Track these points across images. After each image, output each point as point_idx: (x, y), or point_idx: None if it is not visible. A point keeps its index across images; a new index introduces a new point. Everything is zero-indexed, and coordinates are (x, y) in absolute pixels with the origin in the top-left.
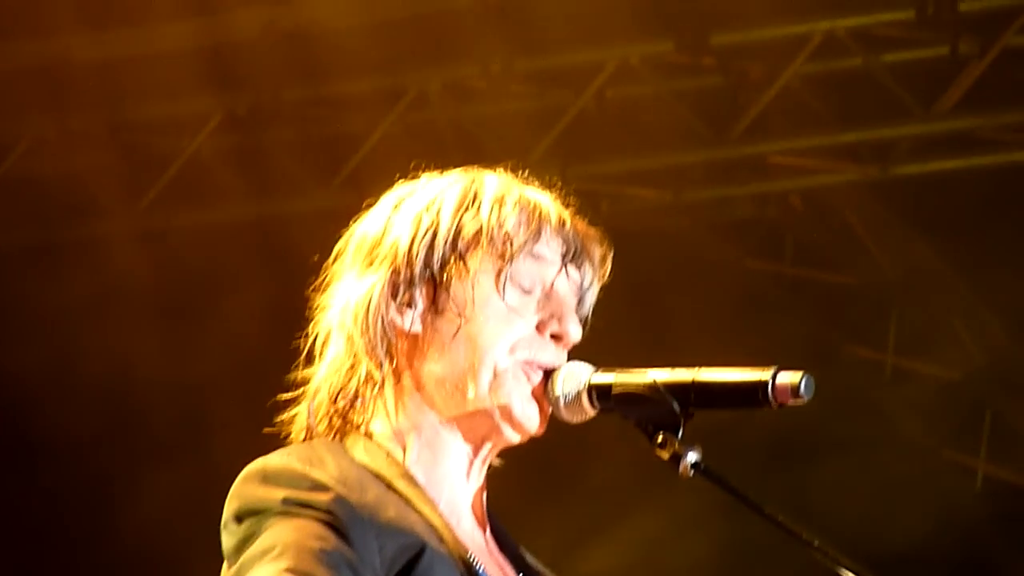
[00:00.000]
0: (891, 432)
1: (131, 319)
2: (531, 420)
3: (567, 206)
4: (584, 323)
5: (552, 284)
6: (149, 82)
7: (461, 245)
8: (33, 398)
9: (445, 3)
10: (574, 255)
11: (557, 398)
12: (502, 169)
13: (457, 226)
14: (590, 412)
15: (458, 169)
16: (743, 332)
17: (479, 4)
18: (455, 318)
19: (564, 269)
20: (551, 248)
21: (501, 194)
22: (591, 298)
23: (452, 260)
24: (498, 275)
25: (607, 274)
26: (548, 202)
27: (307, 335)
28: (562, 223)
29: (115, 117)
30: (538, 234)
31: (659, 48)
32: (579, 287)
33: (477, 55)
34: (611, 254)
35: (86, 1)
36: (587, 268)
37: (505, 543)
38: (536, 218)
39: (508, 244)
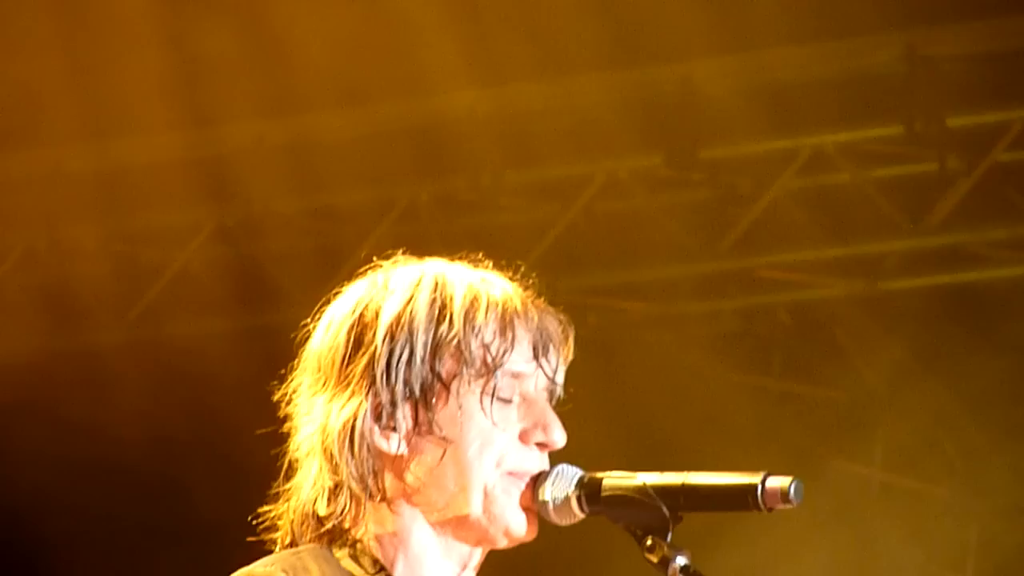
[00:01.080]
0: (879, 548)
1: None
2: (522, 530)
3: (524, 287)
4: (555, 405)
5: (530, 387)
6: (141, 193)
7: (439, 364)
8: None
9: (435, 116)
10: (543, 345)
11: (545, 503)
12: (458, 259)
13: (433, 343)
14: (579, 515)
15: (410, 260)
16: (730, 445)
17: (469, 117)
18: (440, 441)
19: (540, 367)
20: (523, 350)
21: (470, 299)
22: (561, 378)
23: (432, 380)
24: (481, 393)
25: (571, 352)
26: (512, 295)
27: (285, 450)
28: (529, 316)
29: (106, 228)
30: (513, 341)
31: (648, 162)
32: (551, 374)
33: (467, 167)
34: (572, 330)
35: (79, 111)
36: (553, 353)
37: None
38: (509, 324)
39: (487, 359)
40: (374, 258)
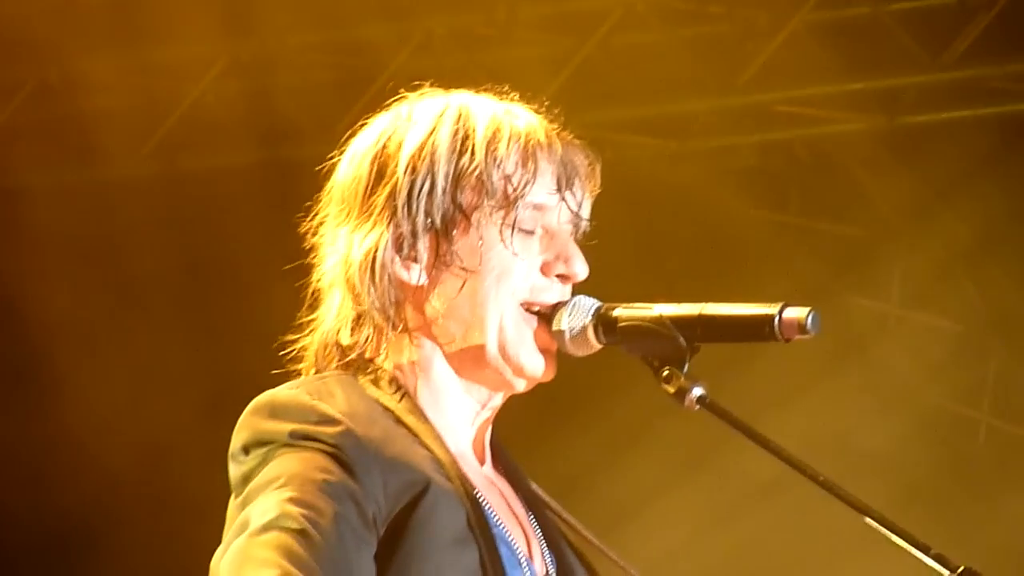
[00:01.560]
0: (894, 383)
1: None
2: (538, 368)
3: (550, 120)
4: (581, 239)
5: (552, 219)
6: (155, 26)
7: (461, 196)
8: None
9: None
10: (568, 178)
11: (562, 332)
12: (481, 89)
13: (455, 173)
14: (595, 346)
15: (436, 92)
16: (746, 281)
17: None
18: (460, 271)
19: (563, 199)
20: (546, 182)
21: (492, 130)
22: (586, 212)
23: (453, 211)
24: (502, 224)
25: (597, 185)
26: (536, 126)
27: (309, 281)
28: (554, 148)
29: (120, 60)
30: (536, 173)
31: None
32: (576, 208)
33: (483, 1)
34: (598, 163)
35: None
36: (578, 187)
37: (514, 477)
38: (532, 155)
39: (508, 190)
40: (401, 89)
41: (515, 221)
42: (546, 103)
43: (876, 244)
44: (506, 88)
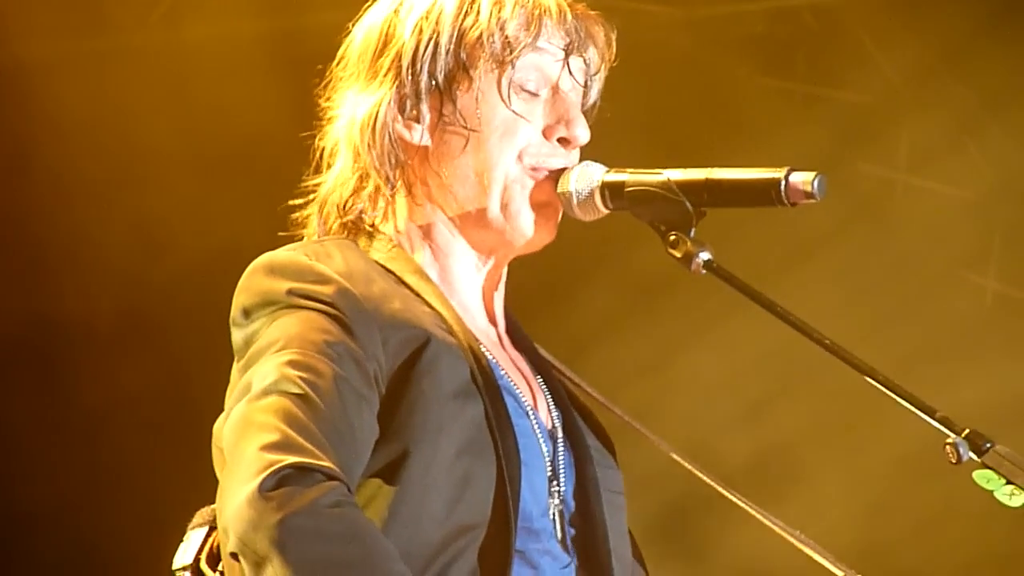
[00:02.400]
0: (901, 249)
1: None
2: (534, 231)
3: None
4: (593, 108)
5: (557, 83)
6: None
7: (463, 55)
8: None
9: None
10: (578, 45)
11: (569, 194)
12: None
13: (458, 34)
14: (603, 211)
15: None
16: (753, 148)
17: None
18: (463, 130)
19: (567, 65)
20: (553, 44)
21: None
22: (599, 83)
23: (456, 71)
24: (501, 82)
25: (614, 57)
26: None
27: (316, 144)
28: (563, 16)
29: None
30: (538, 36)
31: None
32: (585, 75)
33: None
34: (615, 35)
35: None
36: (592, 54)
37: (520, 340)
38: (536, 19)
39: (508, 47)
40: None
41: (511, 79)
42: None
43: (883, 110)
44: None
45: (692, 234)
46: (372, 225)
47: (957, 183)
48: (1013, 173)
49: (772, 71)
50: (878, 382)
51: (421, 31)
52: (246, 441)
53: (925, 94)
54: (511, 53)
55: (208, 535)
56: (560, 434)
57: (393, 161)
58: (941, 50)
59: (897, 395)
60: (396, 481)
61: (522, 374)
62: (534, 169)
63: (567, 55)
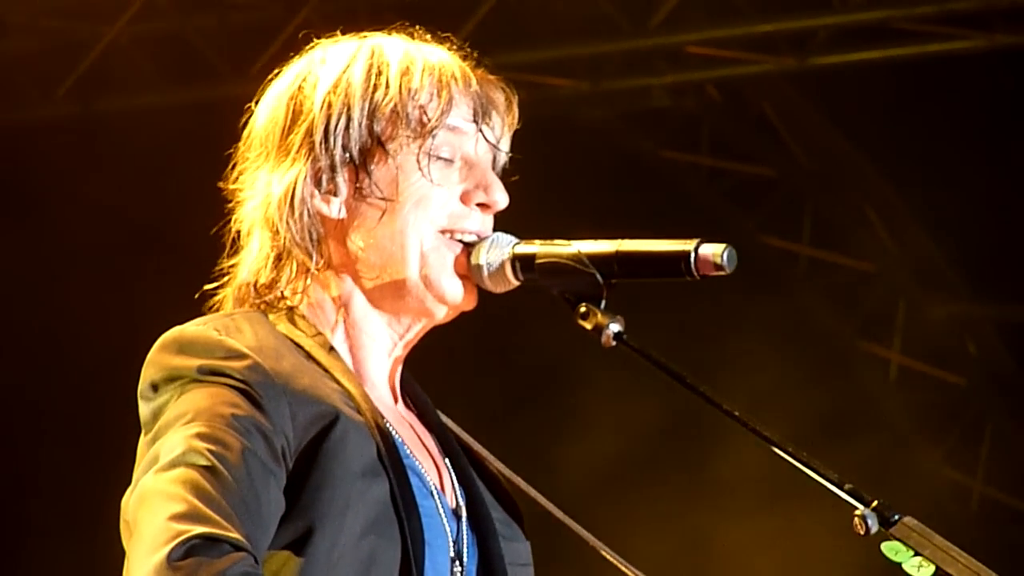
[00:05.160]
0: (809, 320)
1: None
2: (458, 295)
3: (464, 58)
4: (501, 173)
5: (471, 150)
6: None
7: (377, 127)
8: None
9: None
10: (484, 113)
11: (480, 267)
12: (393, 30)
13: (370, 107)
14: (513, 282)
15: (349, 37)
16: (658, 221)
17: None
18: (379, 202)
19: (480, 131)
20: (462, 112)
21: (406, 65)
22: (505, 146)
23: (370, 143)
24: (419, 152)
25: (515, 119)
26: (450, 61)
27: (228, 228)
28: (468, 82)
29: (33, 2)
30: (450, 102)
31: None
32: (495, 141)
33: None
34: (515, 98)
35: None
36: (496, 120)
37: (424, 412)
38: (446, 86)
39: (424, 120)
40: (313, 36)
41: (431, 148)
42: (462, 44)
43: (788, 184)
44: (419, 28)
45: (603, 306)
46: (282, 298)
47: (860, 255)
48: (915, 245)
49: (677, 144)
50: (788, 454)
51: (331, 105)
52: (153, 511)
53: (829, 168)
54: (428, 124)
55: None
56: (464, 512)
57: (313, 236)
58: (846, 125)
59: (807, 467)
60: (302, 557)
61: (427, 451)
62: (449, 234)
63: (476, 119)
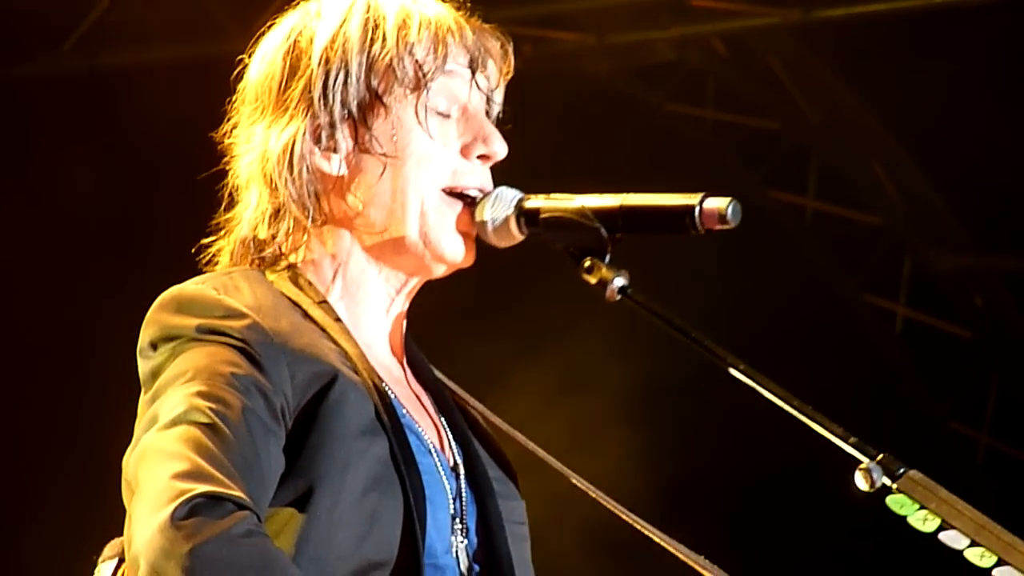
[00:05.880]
0: (812, 275)
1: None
2: (458, 254)
3: (458, 9)
4: (496, 121)
5: (467, 102)
6: None
7: (375, 82)
8: None
9: None
10: (481, 61)
11: (484, 222)
12: None
13: (367, 61)
14: (518, 237)
15: None
16: (663, 176)
17: None
18: (380, 158)
19: (474, 82)
20: (459, 64)
21: (402, 18)
22: (500, 96)
23: (369, 98)
24: (416, 107)
25: (511, 68)
26: (446, 14)
27: (224, 183)
28: (464, 33)
29: None
30: (446, 57)
31: None
32: (488, 89)
33: None
34: (510, 45)
35: None
36: (492, 68)
37: (421, 369)
38: (441, 40)
39: (420, 73)
40: None
41: (428, 102)
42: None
43: (793, 137)
44: None
45: (607, 260)
46: (282, 256)
47: (866, 208)
48: (920, 198)
49: (682, 98)
50: (794, 408)
51: (328, 60)
52: (156, 470)
53: (835, 121)
54: (424, 78)
55: (118, 567)
56: (462, 470)
57: (311, 193)
58: (851, 78)
59: (812, 420)
60: (302, 517)
61: (425, 409)
62: (452, 192)
63: (473, 72)
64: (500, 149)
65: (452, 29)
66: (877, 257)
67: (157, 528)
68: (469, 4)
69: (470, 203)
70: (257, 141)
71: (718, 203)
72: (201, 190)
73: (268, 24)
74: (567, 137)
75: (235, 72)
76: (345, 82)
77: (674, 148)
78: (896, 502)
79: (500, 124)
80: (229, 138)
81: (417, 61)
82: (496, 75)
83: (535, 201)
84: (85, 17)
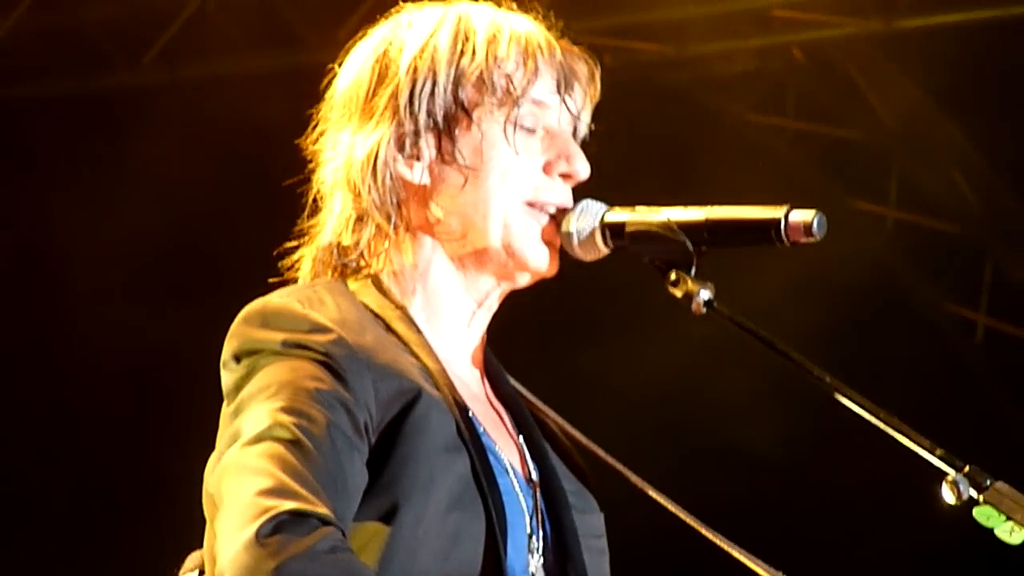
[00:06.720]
0: (896, 286)
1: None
2: (542, 263)
3: (548, 28)
4: (581, 144)
5: (554, 120)
6: None
7: (462, 93)
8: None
9: None
10: (567, 84)
11: (570, 234)
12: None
13: (456, 73)
14: (603, 250)
15: (435, 3)
16: (745, 186)
17: None
18: (463, 168)
19: (564, 101)
20: (546, 82)
21: (493, 32)
22: (586, 117)
23: (455, 109)
24: (504, 121)
25: (598, 92)
26: (535, 31)
27: (309, 187)
28: (553, 52)
29: None
30: (536, 72)
31: None
32: (575, 112)
33: None
34: (598, 70)
35: None
36: (578, 91)
37: (500, 384)
38: (531, 55)
39: (510, 88)
40: (400, 0)
41: (516, 118)
42: (545, 11)
43: (874, 147)
44: None
45: (693, 273)
46: (366, 266)
47: (947, 218)
48: (1001, 208)
49: (762, 108)
50: (880, 420)
51: (416, 69)
52: (240, 487)
53: (915, 130)
54: (513, 91)
55: None
56: (538, 487)
57: (394, 200)
58: (931, 88)
59: (899, 432)
60: (386, 533)
61: (504, 425)
62: (533, 205)
63: (559, 90)
64: (583, 169)
65: (541, 47)
66: (958, 266)
67: (242, 546)
68: (557, 22)
69: (555, 216)
70: (342, 147)
71: (804, 215)
72: (283, 198)
73: (351, 34)
74: (647, 148)
75: (316, 82)
76: (432, 92)
77: (754, 158)
78: (983, 514)
79: (585, 146)
80: (315, 145)
81: (507, 75)
82: (582, 97)
83: (620, 214)
84: (166, 29)
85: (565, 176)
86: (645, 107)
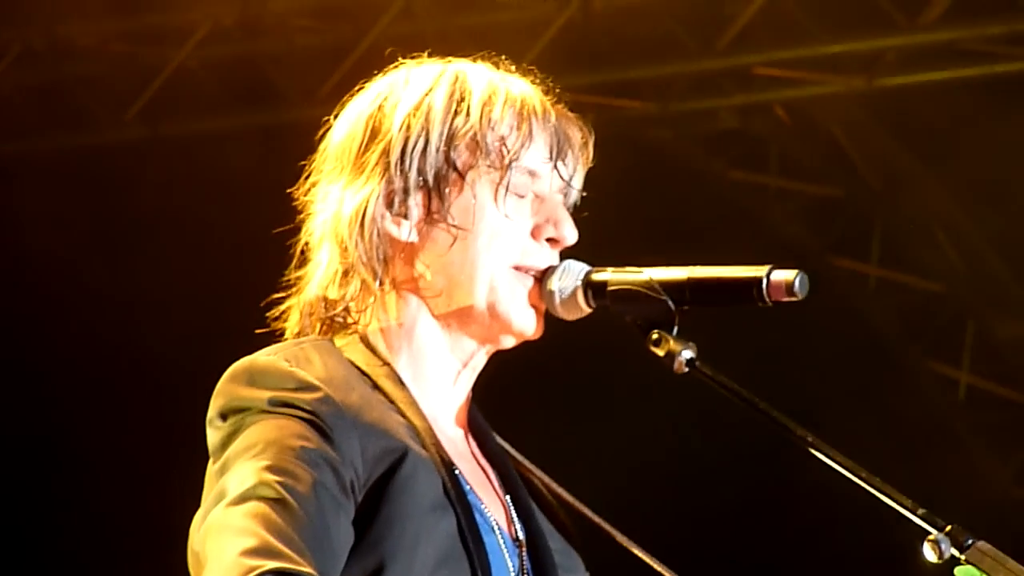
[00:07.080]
0: (877, 343)
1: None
2: (528, 326)
3: (545, 92)
4: (572, 210)
5: (544, 185)
6: None
7: (454, 153)
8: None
9: None
10: (559, 150)
11: (552, 293)
12: (479, 59)
13: (449, 133)
14: (585, 309)
15: (433, 60)
16: (727, 243)
17: None
18: (451, 228)
19: (555, 167)
20: (540, 148)
21: (488, 94)
22: (578, 183)
23: (446, 169)
24: (495, 185)
25: (591, 158)
26: (531, 94)
27: (297, 240)
28: (548, 117)
29: (104, 26)
30: (530, 136)
31: None
32: (567, 179)
33: None
34: (592, 137)
35: None
36: (570, 158)
37: (485, 441)
38: (526, 119)
39: (503, 152)
40: (389, 52)
41: (508, 183)
42: (529, 67)
43: (856, 205)
44: (504, 58)
45: (675, 332)
46: (352, 323)
47: (929, 275)
48: (983, 266)
49: (745, 165)
50: (861, 479)
51: (409, 127)
52: (224, 546)
53: (897, 189)
54: (507, 155)
55: None
56: (524, 546)
57: (380, 257)
58: (914, 146)
59: (880, 492)
60: None
61: (490, 483)
62: (519, 269)
63: (552, 157)
64: (570, 235)
65: (536, 111)
66: (940, 324)
67: None
68: (555, 88)
69: (539, 277)
70: (332, 200)
71: (785, 275)
72: (266, 251)
73: (333, 93)
74: (629, 204)
75: (297, 139)
76: (424, 150)
77: (737, 215)
78: (965, 573)
79: (575, 211)
80: (306, 195)
81: (501, 138)
82: (574, 163)
83: (602, 274)
84: (149, 85)
85: (552, 241)
86: (628, 163)
